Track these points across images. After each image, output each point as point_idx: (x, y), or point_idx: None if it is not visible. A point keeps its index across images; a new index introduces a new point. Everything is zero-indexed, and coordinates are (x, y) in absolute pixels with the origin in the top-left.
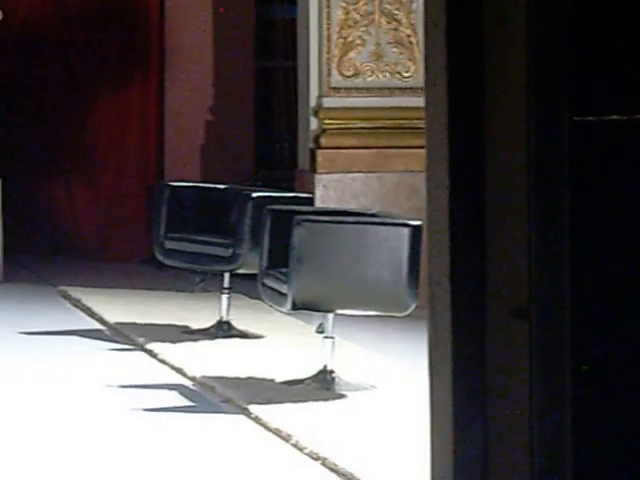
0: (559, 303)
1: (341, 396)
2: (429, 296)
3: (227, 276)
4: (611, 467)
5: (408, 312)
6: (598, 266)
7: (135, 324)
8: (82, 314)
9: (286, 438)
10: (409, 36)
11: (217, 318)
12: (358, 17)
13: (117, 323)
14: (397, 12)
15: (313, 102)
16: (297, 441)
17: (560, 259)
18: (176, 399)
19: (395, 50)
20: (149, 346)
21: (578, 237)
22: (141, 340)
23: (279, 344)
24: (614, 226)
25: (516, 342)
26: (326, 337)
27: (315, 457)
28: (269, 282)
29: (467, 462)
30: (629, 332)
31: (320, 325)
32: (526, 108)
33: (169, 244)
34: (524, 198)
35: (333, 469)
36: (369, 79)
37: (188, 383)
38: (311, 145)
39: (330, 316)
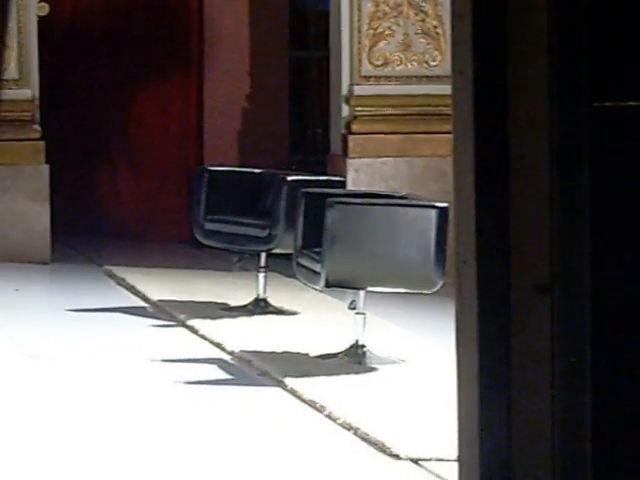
0: (579, 279)
1: (372, 369)
2: (456, 274)
3: (263, 256)
4: (630, 432)
5: (436, 289)
6: (616, 245)
7: (176, 301)
8: (126, 292)
9: (320, 409)
10: (436, 27)
11: (254, 296)
12: (387, 9)
13: (159, 300)
14: (424, 4)
15: (345, 90)
16: (330, 412)
17: (580, 238)
18: (215, 372)
19: (422, 40)
20: (190, 322)
21: (597, 217)
22: (182, 317)
23: (313, 320)
24: (631, 207)
25: (539, 316)
26: (358, 313)
27: (347, 427)
28: (303, 261)
29: (492, 429)
30: None
31: (352, 302)
32: (548, 95)
33: (208, 225)
34: (546, 180)
35: (364, 438)
36: (398, 68)
37: (227, 357)
38: (343, 131)
39: (362, 293)
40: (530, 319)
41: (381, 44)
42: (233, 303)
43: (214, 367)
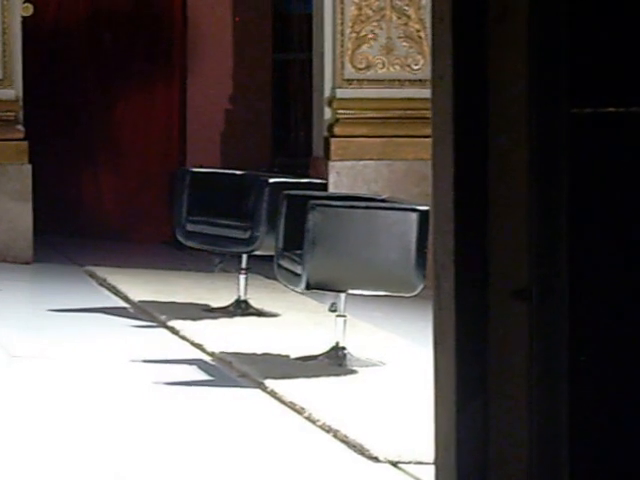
0: (557, 285)
1: (352, 372)
2: (434, 278)
3: (245, 257)
4: (607, 437)
5: (416, 293)
6: (594, 250)
7: (157, 302)
8: (107, 293)
9: (299, 411)
10: (418, 31)
11: (235, 297)
12: (370, 13)
13: (140, 301)
14: (407, 8)
15: (327, 93)
16: (310, 414)
17: (558, 244)
18: (195, 373)
19: (405, 44)
20: (171, 323)
21: (575, 223)
22: (163, 317)
23: (293, 322)
24: (609, 213)
25: (516, 321)
26: (338, 316)
27: (327, 429)
28: (284, 263)
29: (469, 433)
30: (625, 311)
31: (333, 304)
32: (527, 100)
33: (190, 227)
34: (525, 185)
35: (344, 441)
36: (380, 71)
37: (207, 358)
38: (325, 134)
39: (342, 296)
40: (508, 324)
41: (364, 47)
42: (214, 304)
43: (194, 368)
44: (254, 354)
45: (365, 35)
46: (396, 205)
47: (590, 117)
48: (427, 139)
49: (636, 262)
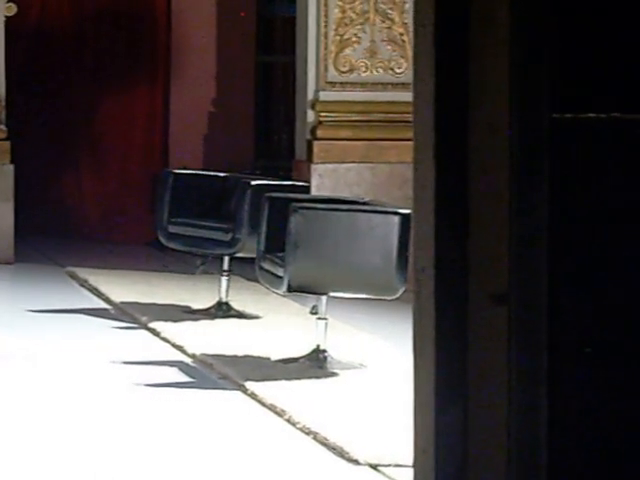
0: (536, 290)
1: (333, 374)
2: (414, 282)
3: (226, 259)
4: (585, 441)
5: (397, 296)
6: (573, 256)
7: (139, 304)
8: (89, 294)
9: (280, 413)
10: (402, 34)
11: (216, 299)
12: (354, 16)
13: (122, 303)
14: (391, 11)
15: (310, 96)
16: (290, 416)
17: (538, 250)
18: (176, 375)
19: (388, 47)
20: (152, 325)
21: (555, 229)
22: (144, 319)
23: (275, 324)
24: (589, 217)
25: (496, 326)
26: (319, 318)
27: (307, 432)
28: (266, 265)
29: (447, 437)
30: (605, 315)
31: (314, 307)
32: (509, 105)
33: (172, 228)
34: (505, 190)
35: (324, 443)
36: (363, 75)
37: (188, 360)
38: (308, 136)
39: (323, 298)
40: (487, 328)
41: (347, 50)
42: (195, 306)
43: (175, 370)
44: (235, 356)
45: (349, 38)
46: (378, 208)
47: (571, 122)
48: (410, 142)
49: (615, 266)
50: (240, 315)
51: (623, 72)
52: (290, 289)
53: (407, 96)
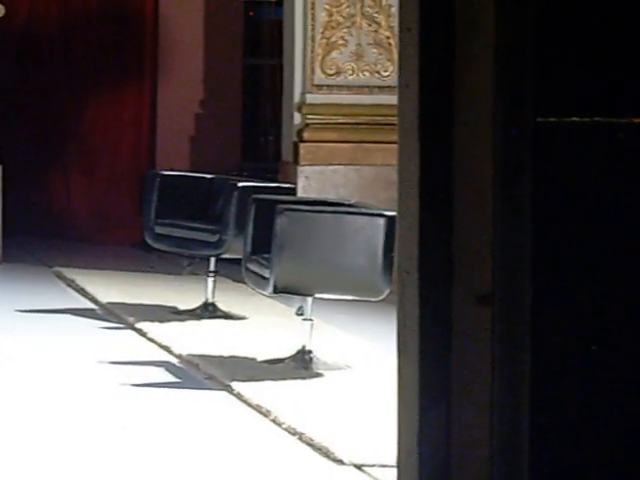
0: (520, 291)
1: (318, 375)
2: (399, 283)
3: (213, 260)
4: (567, 442)
5: (382, 297)
6: (557, 257)
7: (126, 304)
8: (76, 294)
9: (266, 414)
10: (388, 38)
11: (203, 300)
12: (341, 19)
13: (109, 303)
14: (377, 15)
15: (297, 98)
16: (276, 417)
17: (522, 251)
18: (163, 375)
19: (375, 51)
20: (138, 325)
21: (539, 231)
22: (131, 319)
23: (261, 325)
24: (572, 220)
25: (479, 327)
26: (305, 319)
27: (292, 432)
28: (252, 267)
29: (431, 437)
30: (588, 316)
31: (300, 308)
32: (493, 109)
33: (159, 229)
34: (489, 193)
35: (309, 443)
36: (350, 77)
37: (174, 360)
38: (294, 138)
39: (309, 299)
40: (471, 329)
41: (334, 53)
42: (182, 307)
43: (161, 370)
44: (221, 356)
45: (335, 41)
46: (364, 210)
47: (554, 126)
48: (396, 145)
49: (598, 268)
50: (226, 316)
51: (606, 77)
52: (276, 290)
53: (393, 99)
